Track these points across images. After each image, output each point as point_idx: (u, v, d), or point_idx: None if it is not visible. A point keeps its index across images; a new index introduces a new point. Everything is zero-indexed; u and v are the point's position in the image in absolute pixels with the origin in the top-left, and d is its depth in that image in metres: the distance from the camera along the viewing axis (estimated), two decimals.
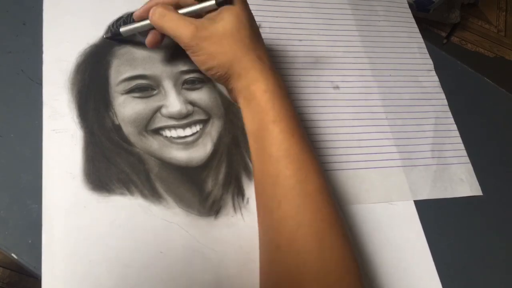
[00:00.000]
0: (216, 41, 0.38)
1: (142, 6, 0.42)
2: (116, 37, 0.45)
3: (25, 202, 0.37)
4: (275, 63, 0.49)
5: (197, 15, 0.41)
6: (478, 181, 0.50)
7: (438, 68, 0.58)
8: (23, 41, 0.43)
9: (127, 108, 0.43)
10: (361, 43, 0.56)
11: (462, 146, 0.52)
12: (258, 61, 0.38)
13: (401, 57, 0.56)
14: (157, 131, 0.43)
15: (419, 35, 0.59)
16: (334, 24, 0.56)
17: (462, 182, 0.50)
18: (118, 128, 0.42)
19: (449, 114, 0.54)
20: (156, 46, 0.43)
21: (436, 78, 0.56)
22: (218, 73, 0.39)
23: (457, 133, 0.53)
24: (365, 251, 0.42)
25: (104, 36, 0.45)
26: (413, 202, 0.46)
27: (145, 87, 0.44)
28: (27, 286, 0.93)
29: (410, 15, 0.61)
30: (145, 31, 0.44)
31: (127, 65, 0.45)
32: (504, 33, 1.67)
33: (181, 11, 0.40)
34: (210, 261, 0.38)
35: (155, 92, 0.44)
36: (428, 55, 0.58)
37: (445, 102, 0.55)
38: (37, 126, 0.40)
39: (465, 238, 0.47)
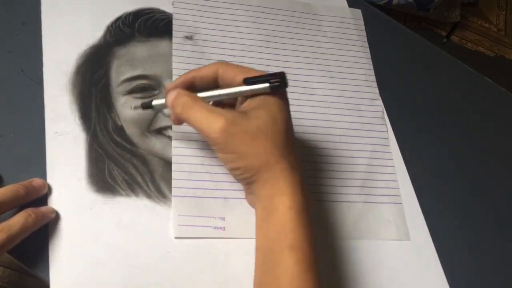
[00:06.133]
0: (248, 141, 0.33)
1: (176, 80, 0.38)
2: (146, 109, 0.41)
3: None
4: None
5: (219, 101, 0.36)
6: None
7: (438, 68, 0.58)
8: (23, 41, 0.43)
9: (129, 109, 0.43)
10: (301, 65, 0.51)
11: (396, 184, 0.47)
12: (289, 171, 0.33)
13: (343, 83, 0.51)
14: (160, 131, 0.42)
15: (370, 61, 0.54)
16: (275, 42, 0.51)
17: (389, 224, 0.44)
18: (120, 129, 0.41)
19: (389, 149, 0.48)
20: (181, 123, 0.38)
21: (380, 108, 0.51)
22: (244, 175, 0.34)
23: (393, 170, 0.47)
24: None
25: (133, 107, 0.41)
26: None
27: (146, 88, 0.44)
28: (27, 285, 0.93)
29: (365, 38, 0.56)
30: None
31: (127, 65, 0.45)
32: (504, 32, 1.67)
33: (202, 94, 0.36)
34: (217, 261, 0.38)
35: (156, 92, 0.44)
36: (375, 83, 0.53)
37: (386, 135, 0.49)
38: (37, 126, 0.39)
39: None
